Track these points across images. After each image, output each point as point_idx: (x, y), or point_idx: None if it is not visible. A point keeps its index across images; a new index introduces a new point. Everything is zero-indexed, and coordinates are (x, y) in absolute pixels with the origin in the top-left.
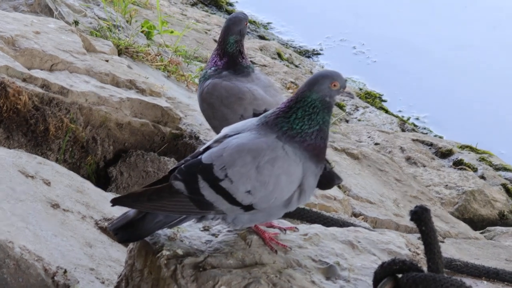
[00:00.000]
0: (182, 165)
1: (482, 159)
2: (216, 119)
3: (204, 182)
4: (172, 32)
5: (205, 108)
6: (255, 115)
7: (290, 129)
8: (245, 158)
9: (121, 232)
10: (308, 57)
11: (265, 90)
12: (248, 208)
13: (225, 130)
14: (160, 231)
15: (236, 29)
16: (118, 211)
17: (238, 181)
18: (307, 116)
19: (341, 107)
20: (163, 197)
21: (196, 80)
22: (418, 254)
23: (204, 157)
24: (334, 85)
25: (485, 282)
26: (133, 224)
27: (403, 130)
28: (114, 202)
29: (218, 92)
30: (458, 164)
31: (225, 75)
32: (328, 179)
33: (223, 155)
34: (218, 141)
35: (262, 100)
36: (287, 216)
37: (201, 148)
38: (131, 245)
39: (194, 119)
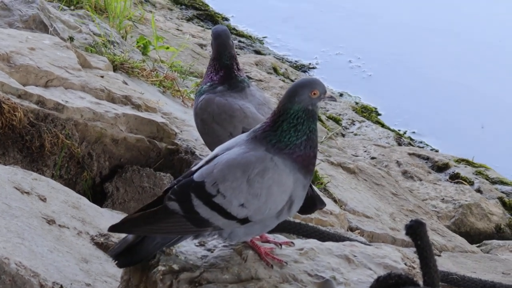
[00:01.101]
0: (175, 185)
1: (478, 173)
2: (209, 135)
3: (197, 200)
4: (167, 48)
5: (198, 124)
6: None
7: (278, 141)
8: (235, 173)
9: (121, 257)
10: (304, 71)
11: (258, 108)
12: (244, 221)
13: (216, 150)
14: None
15: (230, 42)
16: None
17: (231, 196)
18: (292, 128)
19: (337, 121)
20: (160, 219)
21: (192, 96)
22: (414, 268)
23: (196, 176)
24: (314, 94)
25: None
26: (132, 248)
27: (399, 144)
28: (112, 229)
29: (210, 108)
30: (455, 177)
31: (220, 90)
32: (310, 204)
33: (213, 171)
34: (208, 161)
35: (252, 118)
36: (282, 230)
37: (193, 168)
38: None
39: (189, 134)
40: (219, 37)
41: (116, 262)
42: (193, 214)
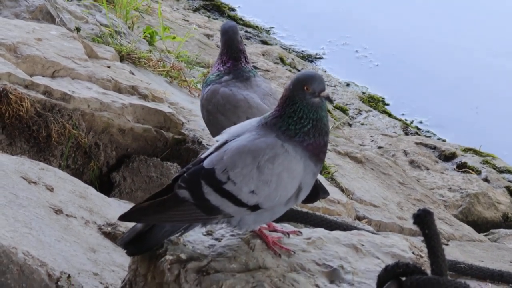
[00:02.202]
0: (185, 173)
1: (485, 162)
2: (214, 125)
3: (208, 187)
4: (174, 38)
5: (204, 115)
6: None
7: (287, 129)
8: (245, 159)
9: (130, 246)
10: (311, 61)
11: (263, 98)
12: (254, 208)
13: (225, 136)
14: None
15: (238, 38)
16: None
17: (241, 182)
18: (297, 115)
19: (344, 111)
20: (170, 207)
21: (199, 86)
22: (422, 257)
23: (206, 163)
24: (307, 89)
25: (489, 284)
26: (142, 237)
27: (406, 134)
28: (122, 218)
29: (215, 99)
30: (462, 167)
31: (225, 80)
32: (313, 193)
33: (223, 158)
34: (218, 148)
35: (257, 108)
36: (290, 220)
37: (203, 156)
38: None
39: (196, 124)
40: (226, 33)
41: (126, 250)
42: (204, 201)
